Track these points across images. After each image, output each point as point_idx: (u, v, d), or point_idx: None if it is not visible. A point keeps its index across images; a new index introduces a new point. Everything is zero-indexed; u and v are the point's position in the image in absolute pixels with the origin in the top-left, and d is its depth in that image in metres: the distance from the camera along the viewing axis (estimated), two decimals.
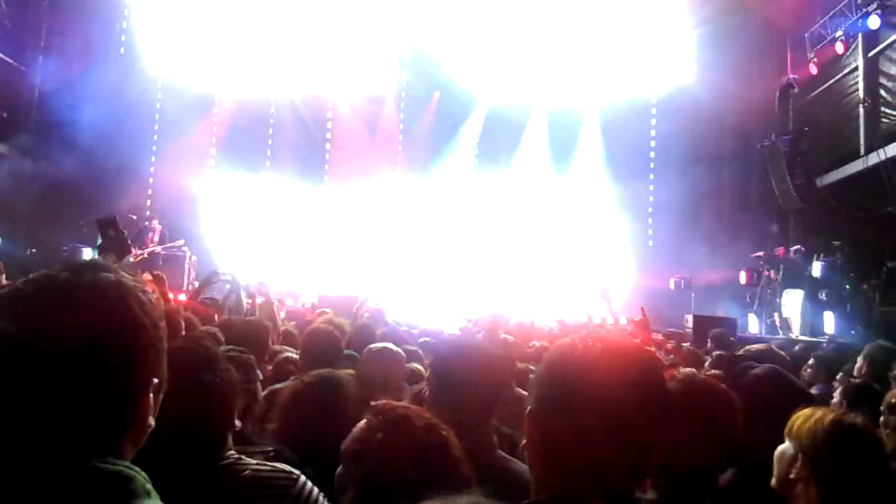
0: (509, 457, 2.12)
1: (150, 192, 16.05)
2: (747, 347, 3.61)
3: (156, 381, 1.12)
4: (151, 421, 1.13)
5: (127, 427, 1.08)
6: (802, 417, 1.91)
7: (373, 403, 1.74)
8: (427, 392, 2.25)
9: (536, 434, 1.26)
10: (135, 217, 14.06)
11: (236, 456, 1.87)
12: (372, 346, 3.39)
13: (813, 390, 4.16)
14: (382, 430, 1.67)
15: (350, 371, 3.86)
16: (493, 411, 2.16)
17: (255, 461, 1.90)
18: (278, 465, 1.92)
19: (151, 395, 1.11)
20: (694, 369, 2.70)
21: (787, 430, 1.92)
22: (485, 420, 2.13)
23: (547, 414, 1.24)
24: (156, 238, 13.70)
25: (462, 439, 1.72)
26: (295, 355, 3.95)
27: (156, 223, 13.86)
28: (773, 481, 1.91)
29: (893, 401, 2.58)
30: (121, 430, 1.08)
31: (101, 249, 3.25)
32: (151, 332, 1.10)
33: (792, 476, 1.84)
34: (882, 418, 2.63)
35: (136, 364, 1.07)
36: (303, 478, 1.87)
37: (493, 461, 2.03)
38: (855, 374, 4.21)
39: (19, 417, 1.00)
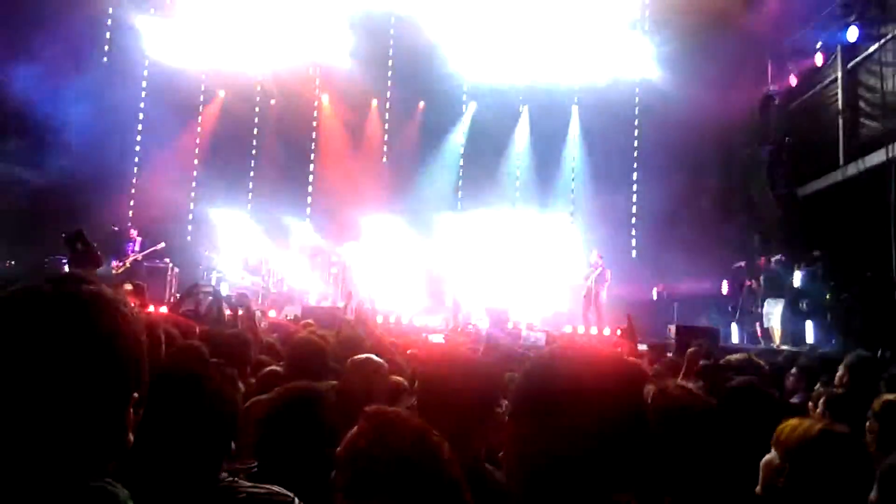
0: (495, 469, 2.10)
1: (132, 202, 15.92)
2: (727, 357, 3.64)
3: (136, 395, 1.10)
4: (131, 436, 1.11)
5: (107, 442, 1.06)
6: (790, 427, 1.92)
7: (366, 409, 1.73)
8: (415, 403, 2.24)
9: (513, 442, 1.26)
10: (116, 228, 13.95)
11: (230, 479, 1.85)
12: (355, 357, 3.36)
13: (794, 399, 4.18)
14: (373, 433, 1.66)
15: (332, 383, 3.84)
16: (483, 424, 2.14)
17: (249, 483, 1.88)
18: (272, 487, 1.90)
19: (132, 409, 1.10)
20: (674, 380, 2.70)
21: (773, 439, 1.93)
22: (473, 432, 2.10)
23: (523, 422, 1.24)
24: (136, 248, 13.58)
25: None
26: (279, 368, 3.91)
27: (133, 233, 13.74)
28: (758, 488, 1.92)
29: (878, 407, 2.61)
30: (100, 446, 1.06)
31: (71, 263, 3.23)
32: (132, 345, 1.08)
33: (779, 485, 1.85)
34: (868, 424, 2.65)
35: (116, 378, 1.06)
36: (297, 500, 1.87)
37: (478, 473, 2.01)
38: (836, 383, 4.24)
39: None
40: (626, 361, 1.38)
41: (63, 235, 3.19)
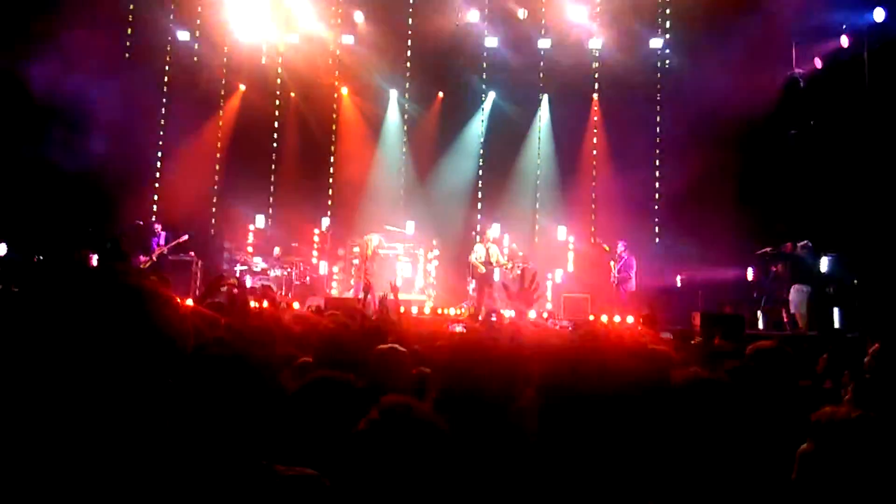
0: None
1: (155, 196, 16.11)
2: (756, 343, 3.59)
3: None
4: None
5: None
6: (827, 414, 1.92)
7: (381, 399, 1.75)
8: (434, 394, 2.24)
9: (543, 427, 1.27)
10: (141, 223, 14.12)
11: (265, 462, 1.90)
12: (380, 346, 3.39)
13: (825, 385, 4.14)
14: (380, 422, 1.68)
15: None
16: (507, 413, 2.14)
17: (283, 467, 1.92)
18: (304, 469, 1.94)
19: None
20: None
21: (810, 427, 1.93)
22: (496, 422, 2.10)
23: (554, 407, 1.25)
24: (161, 241, 13.75)
25: (471, 442, 1.72)
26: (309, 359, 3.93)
27: (157, 227, 13.90)
28: (794, 475, 1.91)
29: None
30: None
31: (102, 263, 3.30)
32: (181, 337, 1.11)
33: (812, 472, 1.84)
34: None
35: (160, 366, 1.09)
36: (324, 479, 1.90)
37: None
38: (864, 369, 4.19)
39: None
40: (652, 350, 1.38)
41: (110, 237, 3.26)
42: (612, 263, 14.35)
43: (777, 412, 1.98)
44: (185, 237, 13.84)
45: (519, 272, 13.69)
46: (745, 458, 1.94)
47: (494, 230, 14.67)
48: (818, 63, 13.60)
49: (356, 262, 15.42)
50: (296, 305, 12.61)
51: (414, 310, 13.35)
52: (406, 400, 1.78)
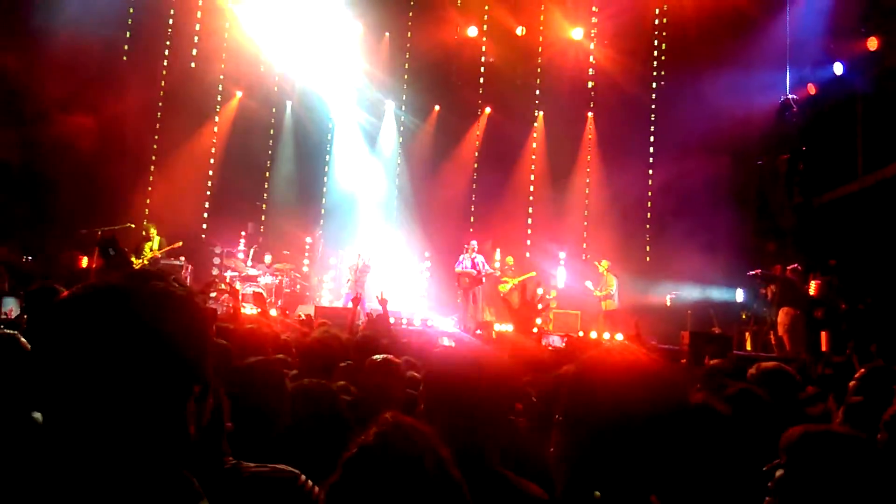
0: (510, 473, 2.08)
1: (148, 200, 16.05)
2: (759, 364, 3.58)
3: (197, 388, 1.12)
4: (193, 429, 1.13)
5: (169, 434, 1.08)
6: (793, 431, 1.89)
7: (381, 416, 1.74)
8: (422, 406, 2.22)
9: (563, 443, 1.27)
10: (133, 226, 14.05)
11: (234, 461, 1.88)
12: (373, 357, 3.38)
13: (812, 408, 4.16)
14: (381, 440, 1.67)
15: (341, 383, 3.86)
16: (497, 430, 2.13)
17: (253, 464, 1.91)
18: (277, 465, 1.93)
19: (194, 402, 1.12)
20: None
21: (781, 445, 1.90)
22: (486, 439, 2.08)
23: (573, 424, 1.25)
24: (154, 246, 13.69)
25: (459, 455, 1.71)
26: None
27: (153, 231, 13.85)
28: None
29: (889, 417, 2.58)
30: (163, 437, 1.08)
31: (103, 269, 3.27)
32: (193, 338, 1.11)
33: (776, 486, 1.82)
34: (878, 435, 2.63)
35: (175, 370, 1.08)
36: (303, 476, 1.89)
37: (501, 481, 2.00)
38: (849, 393, 4.21)
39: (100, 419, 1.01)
40: (670, 367, 1.39)
41: (97, 241, 3.24)
42: (588, 283, 14.51)
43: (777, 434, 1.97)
44: (180, 243, 13.78)
45: (517, 285, 13.79)
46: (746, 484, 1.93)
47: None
48: (812, 89, 13.75)
49: (348, 271, 15.39)
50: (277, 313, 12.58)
51: (404, 321, 13.33)
52: (403, 423, 1.76)
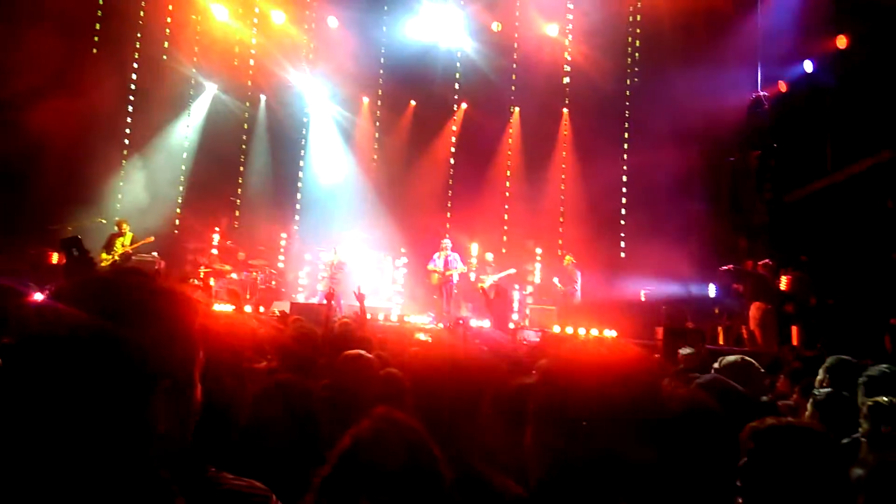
0: (488, 470, 2.09)
1: (119, 195, 15.80)
2: (722, 357, 3.63)
3: (166, 382, 1.09)
4: (161, 425, 1.10)
5: (132, 430, 1.05)
6: (757, 424, 1.90)
7: (372, 411, 1.73)
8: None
9: (536, 438, 1.27)
10: (104, 221, 13.84)
11: (215, 471, 1.85)
12: (347, 352, 3.37)
13: (785, 402, 4.22)
14: (374, 434, 1.67)
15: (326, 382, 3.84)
16: (474, 419, 2.14)
17: (231, 476, 1.88)
18: (253, 482, 1.90)
19: (164, 397, 1.09)
20: None
21: (742, 437, 1.91)
22: (461, 433, 2.09)
23: (547, 419, 1.25)
24: (126, 241, 13.50)
25: (442, 449, 1.71)
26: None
27: (125, 227, 13.65)
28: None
29: (867, 410, 2.62)
30: (126, 433, 1.05)
31: (66, 269, 3.23)
32: (159, 329, 1.08)
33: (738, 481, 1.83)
34: (861, 429, 2.67)
35: (135, 363, 1.05)
36: (274, 497, 1.87)
37: (472, 472, 2.01)
38: (816, 385, 4.27)
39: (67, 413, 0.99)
40: (647, 362, 1.39)
41: (60, 241, 3.20)
42: (555, 279, 14.65)
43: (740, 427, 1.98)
44: (151, 239, 13.60)
45: (496, 281, 13.86)
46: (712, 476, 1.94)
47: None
48: (783, 86, 13.94)
49: (322, 267, 15.32)
50: (260, 310, 12.49)
51: (380, 317, 13.31)
52: (396, 414, 1.75)
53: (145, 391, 1.07)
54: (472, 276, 16.09)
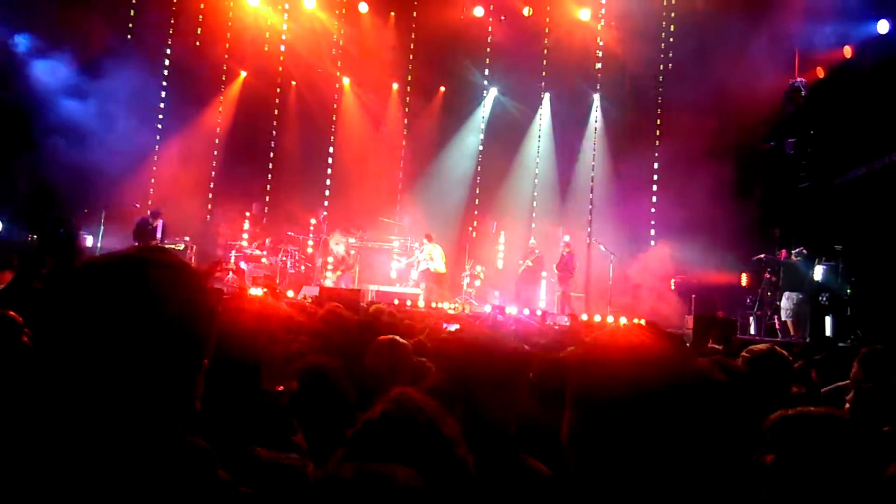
0: (527, 456, 2.11)
1: (153, 180, 16.03)
2: (750, 347, 3.58)
3: (206, 363, 1.13)
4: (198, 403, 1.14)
5: (179, 404, 1.10)
6: (780, 414, 1.88)
7: (393, 390, 1.76)
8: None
9: (574, 423, 1.27)
10: (138, 205, 14.05)
11: (250, 446, 1.90)
12: (381, 337, 3.40)
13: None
14: (387, 415, 1.69)
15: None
16: (509, 408, 2.15)
17: (266, 450, 1.92)
18: (290, 454, 1.94)
19: (202, 377, 1.14)
20: None
21: (764, 428, 1.88)
22: (498, 416, 2.11)
23: (583, 405, 1.26)
24: (158, 234, 13.64)
25: (474, 437, 1.73)
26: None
27: (160, 221, 13.77)
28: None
29: None
30: (180, 408, 1.09)
31: (42, 247, 3.29)
32: (209, 315, 1.12)
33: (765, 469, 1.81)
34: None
35: (195, 343, 1.09)
36: (311, 464, 1.91)
37: (508, 460, 2.02)
38: (850, 377, 4.19)
39: (110, 388, 1.02)
40: (675, 346, 1.38)
41: (50, 219, 3.25)
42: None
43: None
44: (186, 241, 13.80)
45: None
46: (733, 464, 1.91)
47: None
48: (820, 72, 13.64)
49: (352, 252, 15.40)
50: (290, 294, 12.61)
51: (408, 303, 13.35)
52: (416, 393, 1.78)
53: (193, 371, 1.11)
54: (500, 264, 16.09)
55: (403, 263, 15.15)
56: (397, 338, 3.39)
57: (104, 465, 0.99)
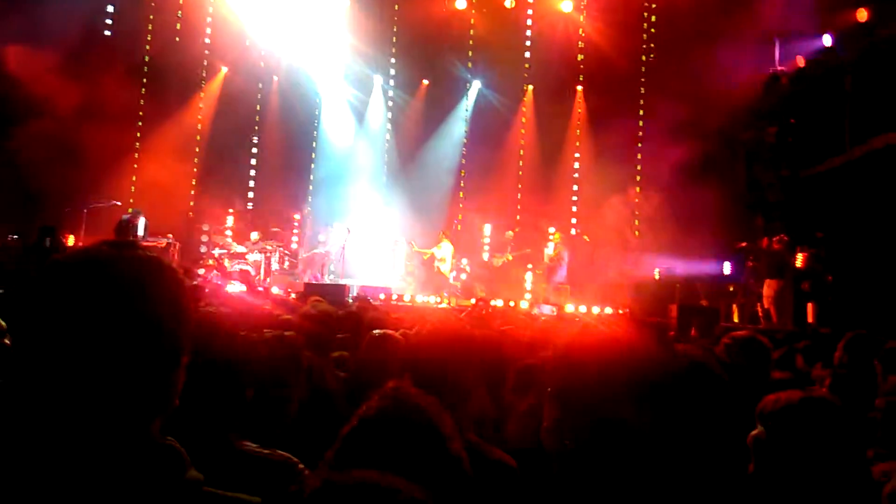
0: (482, 441, 2.12)
1: (133, 178, 15.88)
2: (731, 334, 3.62)
3: (184, 360, 1.12)
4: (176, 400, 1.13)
5: (158, 401, 1.09)
6: (773, 398, 1.90)
7: (386, 385, 1.75)
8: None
9: (555, 417, 1.29)
10: (119, 203, 13.90)
11: (236, 439, 1.89)
12: (374, 332, 3.40)
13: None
14: (382, 412, 1.68)
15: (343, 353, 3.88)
16: (472, 395, 2.18)
17: (255, 446, 1.91)
18: (278, 451, 1.93)
19: (181, 373, 1.12)
20: None
21: (757, 412, 1.90)
22: (462, 403, 2.11)
23: (567, 397, 1.27)
24: (140, 232, 13.48)
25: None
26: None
27: (141, 218, 13.63)
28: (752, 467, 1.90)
29: (890, 386, 2.60)
30: (156, 406, 1.08)
31: (28, 255, 3.28)
32: (187, 310, 1.11)
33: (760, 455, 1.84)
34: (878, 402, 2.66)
35: (175, 339, 1.08)
36: (300, 464, 1.90)
37: (468, 446, 2.04)
38: (834, 363, 4.25)
39: (78, 387, 1.00)
40: (650, 334, 1.40)
41: (38, 227, 3.23)
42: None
43: (751, 404, 1.98)
44: (169, 237, 13.68)
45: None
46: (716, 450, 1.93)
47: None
48: (801, 61, 13.74)
49: (336, 248, 15.35)
50: (275, 290, 12.57)
51: (394, 297, 13.36)
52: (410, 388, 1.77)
53: (171, 367, 1.10)
54: (486, 256, 16.12)
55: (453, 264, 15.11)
56: (390, 332, 3.39)
57: (63, 467, 0.98)
